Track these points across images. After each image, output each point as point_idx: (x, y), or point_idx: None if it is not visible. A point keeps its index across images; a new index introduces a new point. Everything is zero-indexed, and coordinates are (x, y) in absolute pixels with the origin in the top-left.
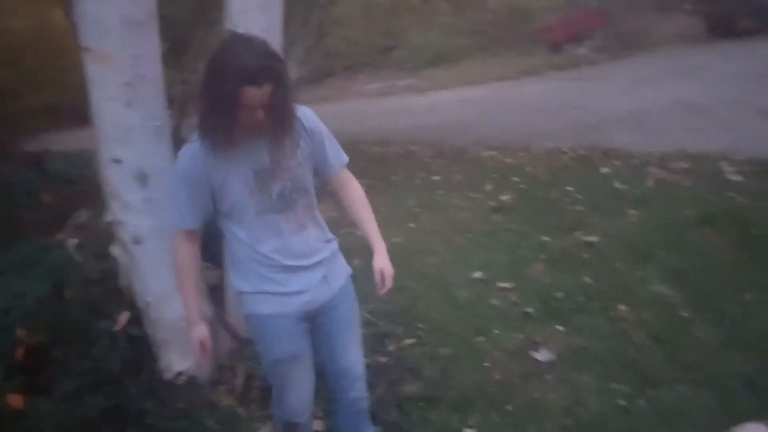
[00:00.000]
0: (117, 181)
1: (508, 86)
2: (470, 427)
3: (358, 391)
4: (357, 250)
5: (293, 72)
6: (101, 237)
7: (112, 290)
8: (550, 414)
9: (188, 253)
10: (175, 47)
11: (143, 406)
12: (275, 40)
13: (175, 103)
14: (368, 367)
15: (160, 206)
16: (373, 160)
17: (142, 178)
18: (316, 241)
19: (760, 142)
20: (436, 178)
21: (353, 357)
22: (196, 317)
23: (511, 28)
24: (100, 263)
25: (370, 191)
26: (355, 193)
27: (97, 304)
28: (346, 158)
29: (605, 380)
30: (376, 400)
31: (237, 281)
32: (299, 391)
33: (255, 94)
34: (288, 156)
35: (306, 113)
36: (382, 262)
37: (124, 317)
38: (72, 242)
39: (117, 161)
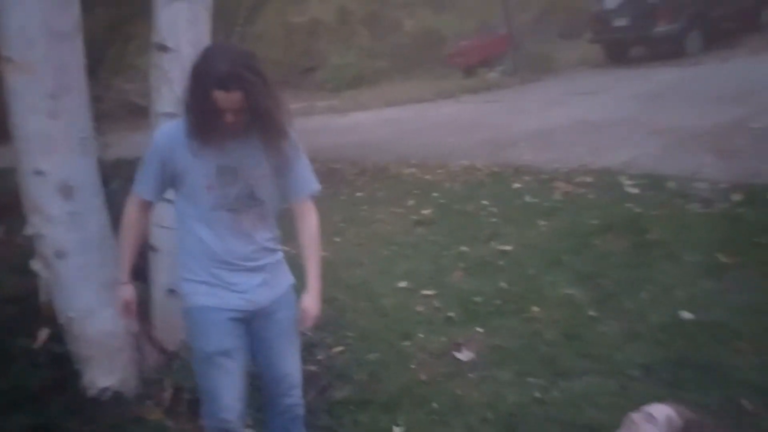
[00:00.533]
0: (39, 193)
1: (425, 107)
2: (399, 425)
3: (294, 398)
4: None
5: None
6: (17, 252)
7: (30, 307)
8: (473, 409)
9: (137, 218)
10: (90, 63)
11: (67, 425)
12: None
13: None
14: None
15: (85, 219)
16: None
17: (66, 191)
18: (261, 248)
19: (654, 158)
20: (359, 194)
21: (291, 364)
22: (125, 278)
23: (426, 52)
24: (18, 279)
25: None
26: (309, 228)
27: (15, 321)
28: (315, 188)
29: (522, 375)
30: (307, 406)
31: (182, 269)
32: (230, 390)
33: (224, 98)
34: (255, 163)
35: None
36: (309, 302)
37: (44, 334)
38: None
39: (39, 173)
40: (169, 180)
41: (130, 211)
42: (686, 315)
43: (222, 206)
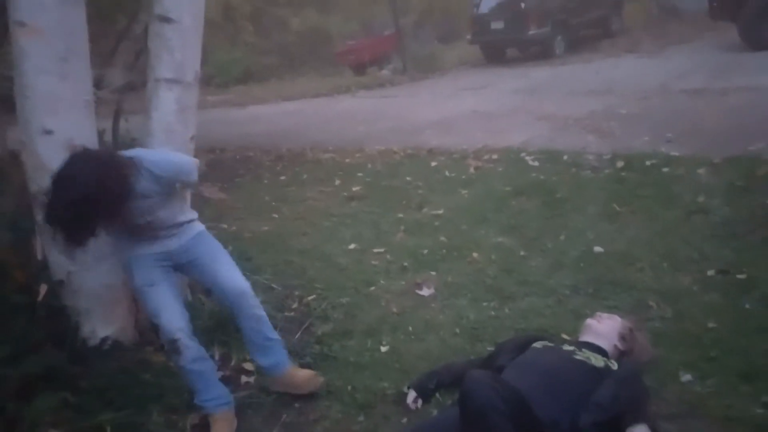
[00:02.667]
0: (47, 151)
1: (323, 101)
2: (384, 345)
3: (252, 306)
4: (229, 240)
5: (120, 78)
6: (8, 212)
7: (25, 263)
8: (443, 327)
9: None
10: None
11: (73, 371)
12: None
13: None
14: (279, 321)
15: None
16: (212, 165)
17: (72, 149)
18: (179, 226)
19: (545, 138)
20: (282, 177)
21: (236, 276)
22: None
23: (313, 50)
24: (13, 236)
25: (221, 192)
26: None
27: (19, 273)
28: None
29: (476, 301)
30: (295, 342)
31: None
32: (167, 312)
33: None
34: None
35: (153, 161)
36: None
37: (43, 289)
38: None
39: (48, 132)
40: None
41: None
42: (598, 248)
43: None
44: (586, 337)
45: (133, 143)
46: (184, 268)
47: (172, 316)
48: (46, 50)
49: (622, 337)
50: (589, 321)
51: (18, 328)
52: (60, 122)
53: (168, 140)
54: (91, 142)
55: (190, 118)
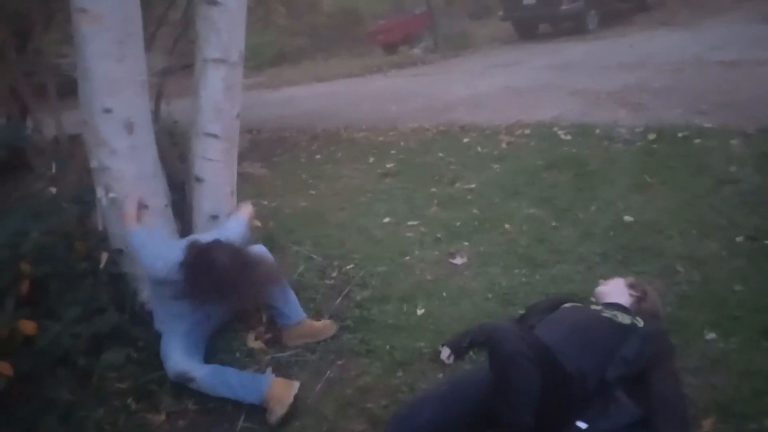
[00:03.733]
0: (106, 129)
1: (356, 82)
2: (420, 309)
3: None
4: (269, 216)
5: (160, 62)
6: (70, 187)
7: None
8: (475, 292)
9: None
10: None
11: (135, 332)
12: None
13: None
14: (319, 288)
15: (142, 153)
16: (250, 146)
17: (129, 127)
18: None
19: (577, 113)
20: (318, 156)
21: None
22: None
23: (344, 31)
24: (78, 208)
25: (263, 168)
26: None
27: (81, 244)
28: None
29: (508, 269)
30: (335, 307)
31: None
32: (172, 357)
33: None
34: None
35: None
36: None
37: (104, 257)
38: (52, 190)
39: (107, 111)
40: None
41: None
42: (627, 218)
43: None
44: (604, 301)
45: (174, 125)
46: None
47: (178, 359)
48: (106, 35)
49: (631, 286)
50: (596, 290)
51: (84, 292)
52: (118, 101)
53: (216, 117)
54: (145, 119)
55: (236, 96)
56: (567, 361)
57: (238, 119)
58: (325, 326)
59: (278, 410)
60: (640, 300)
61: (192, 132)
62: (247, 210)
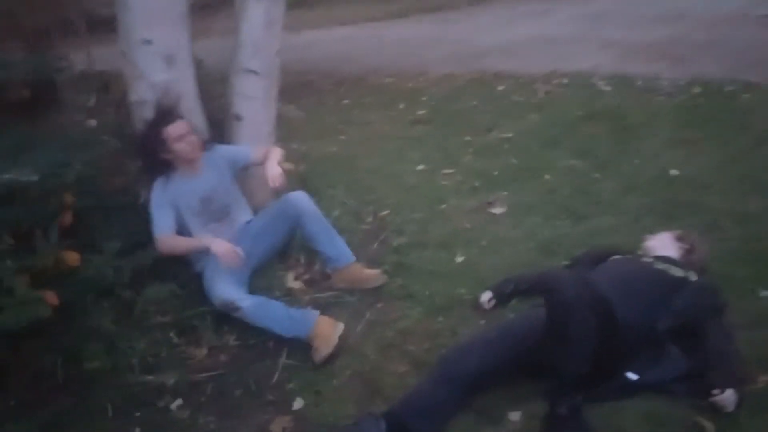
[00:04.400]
0: (146, 61)
1: (380, 26)
2: (460, 256)
3: (313, 208)
4: (300, 159)
5: None
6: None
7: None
8: (516, 242)
9: (176, 237)
10: None
11: (175, 267)
12: None
13: None
14: (356, 233)
15: (182, 87)
16: None
17: (169, 59)
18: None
19: (615, 64)
20: (345, 101)
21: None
22: (207, 240)
23: None
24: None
25: (299, 110)
26: (273, 149)
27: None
28: (250, 147)
29: (549, 219)
30: (372, 253)
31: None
32: (217, 287)
33: (173, 129)
34: (218, 186)
35: (216, 149)
36: (268, 168)
37: (144, 192)
38: (91, 123)
39: (147, 42)
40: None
41: (169, 240)
42: (673, 172)
43: (209, 221)
44: (653, 254)
45: (200, 64)
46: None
47: (224, 288)
48: None
49: (680, 239)
50: (644, 244)
51: (125, 226)
52: (158, 33)
53: (256, 53)
54: (185, 53)
55: (276, 33)
56: (619, 311)
57: (278, 56)
58: (375, 275)
59: (324, 349)
60: (689, 252)
61: (231, 69)
62: (277, 153)
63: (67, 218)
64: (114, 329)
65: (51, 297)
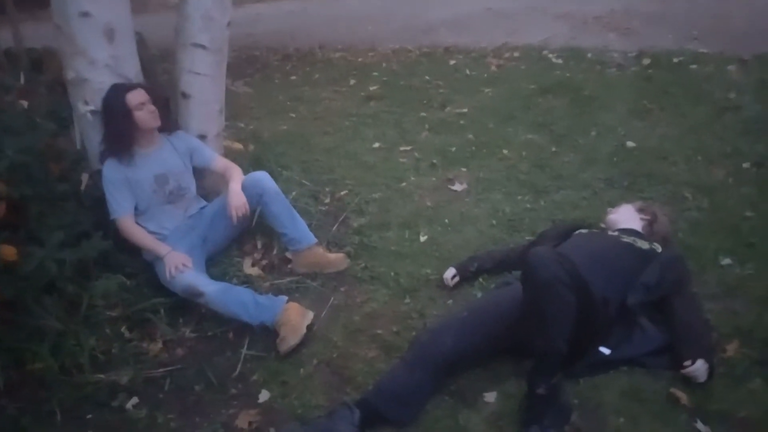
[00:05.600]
0: (85, 36)
1: (327, 1)
2: (424, 235)
3: (275, 188)
4: (249, 139)
5: None
6: (43, 101)
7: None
8: (479, 219)
9: (135, 226)
10: None
11: (120, 258)
12: None
13: None
14: (314, 214)
15: (124, 63)
16: None
17: (110, 34)
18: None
19: (566, 37)
20: (293, 77)
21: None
22: (165, 249)
23: None
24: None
25: (246, 86)
26: (234, 169)
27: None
28: (216, 154)
29: (510, 195)
30: (333, 234)
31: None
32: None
33: (133, 97)
34: (174, 168)
35: (181, 135)
36: (230, 197)
37: (85, 178)
38: (24, 104)
39: (85, 14)
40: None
41: (128, 226)
42: (630, 144)
43: (164, 202)
44: (616, 227)
45: (140, 39)
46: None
47: (186, 273)
48: None
49: (641, 210)
50: (606, 218)
51: (67, 216)
52: (97, 4)
53: (205, 26)
54: (127, 26)
55: (227, 3)
56: (594, 287)
57: (228, 29)
58: (338, 259)
59: (291, 339)
60: (651, 222)
61: (177, 43)
62: (238, 174)
63: (1, 210)
64: (59, 327)
65: None
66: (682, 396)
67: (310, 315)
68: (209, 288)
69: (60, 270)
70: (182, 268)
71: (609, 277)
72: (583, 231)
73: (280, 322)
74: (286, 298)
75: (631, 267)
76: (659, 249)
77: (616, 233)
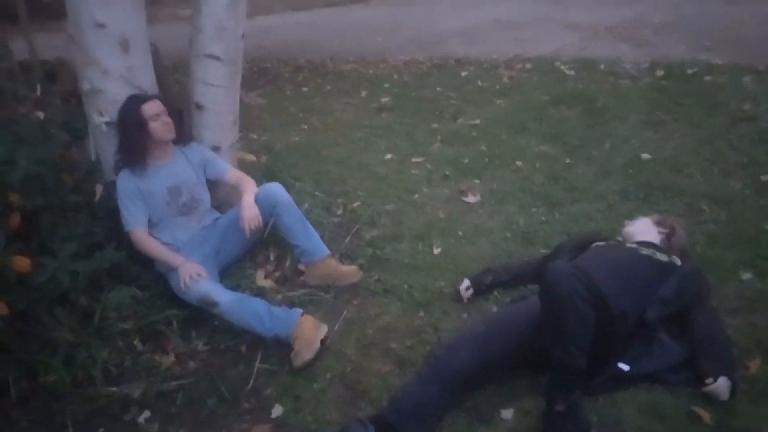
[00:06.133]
0: (99, 46)
1: (336, 11)
2: (437, 248)
3: (288, 199)
4: (261, 150)
5: None
6: (58, 112)
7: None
8: (493, 231)
9: (149, 238)
10: None
11: (131, 271)
12: None
13: None
14: (327, 226)
15: (139, 74)
16: None
17: (124, 45)
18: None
19: (577, 48)
20: (305, 89)
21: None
22: (178, 260)
23: None
24: (67, 137)
25: (260, 98)
26: (248, 181)
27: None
28: (229, 166)
29: (525, 207)
30: (346, 246)
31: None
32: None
33: (149, 108)
34: (188, 179)
35: (195, 147)
36: (243, 209)
37: (99, 189)
38: (39, 115)
39: (100, 25)
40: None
41: (143, 238)
42: (645, 155)
43: (177, 214)
44: (634, 240)
45: (154, 49)
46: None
47: (201, 283)
48: None
49: (659, 223)
50: (623, 230)
51: (80, 227)
52: (112, 15)
53: (219, 37)
54: (142, 37)
55: (240, 14)
56: (613, 300)
57: (242, 40)
58: (351, 271)
59: (305, 354)
60: (669, 236)
61: (191, 53)
62: (252, 187)
63: (15, 220)
64: (72, 339)
65: (0, 307)
66: (704, 414)
67: (325, 328)
68: (224, 298)
69: (73, 281)
70: (197, 278)
71: (628, 290)
72: (601, 243)
73: (294, 336)
74: (301, 310)
75: (651, 280)
76: (678, 262)
77: (634, 245)
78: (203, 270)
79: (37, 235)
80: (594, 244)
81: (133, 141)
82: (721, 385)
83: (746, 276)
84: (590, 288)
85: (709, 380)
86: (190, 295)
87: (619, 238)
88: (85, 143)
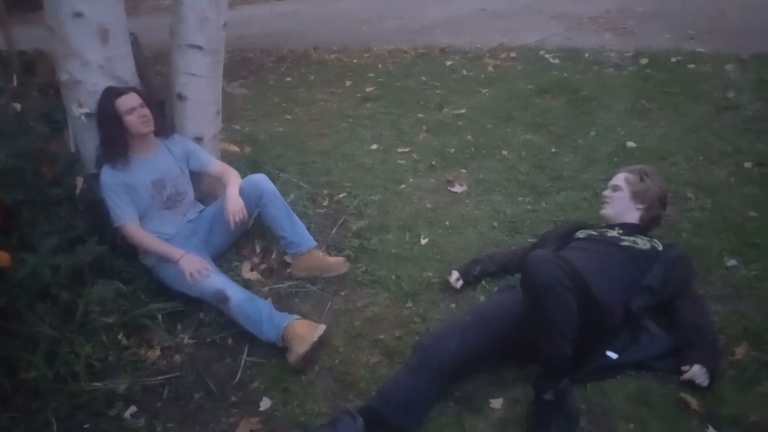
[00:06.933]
0: (78, 37)
1: (321, 1)
2: (424, 238)
3: (275, 191)
4: (245, 141)
5: None
6: (36, 104)
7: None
8: (480, 221)
9: (143, 232)
10: None
11: (115, 263)
12: None
13: None
14: (313, 217)
15: (118, 65)
16: None
17: (103, 35)
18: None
19: (562, 37)
20: (288, 79)
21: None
22: (178, 252)
23: None
24: (46, 129)
25: (242, 87)
26: (232, 173)
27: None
28: (212, 157)
29: (511, 196)
30: (332, 238)
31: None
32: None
33: (124, 102)
34: (171, 172)
35: (177, 139)
36: (227, 202)
37: (80, 182)
38: (16, 106)
39: (78, 15)
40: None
41: (136, 231)
42: (630, 144)
43: (162, 207)
44: (614, 222)
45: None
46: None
47: (215, 277)
48: None
49: (635, 196)
50: (602, 212)
51: (61, 220)
52: (91, 5)
53: (201, 27)
54: (121, 27)
55: (222, 4)
56: (597, 290)
57: (224, 30)
58: (338, 263)
59: (299, 348)
60: (648, 208)
61: (173, 44)
62: (236, 179)
63: None
64: (53, 334)
65: None
66: (692, 401)
67: (321, 327)
68: (236, 295)
69: (54, 276)
70: (205, 272)
71: (613, 283)
72: (581, 235)
73: (285, 337)
74: (296, 317)
75: (633, 270)
76: (660, 247)
77: (615, 233)
78: (207, 264)
79: (17, 230)
80: (577, 234)
81: (112, 136)
82: (696, 373)
83: (732, 263)
84: (572, 276)
85: (686, 368)
86: (198, 290)
87: (603, 225)
88: (65, 135)
